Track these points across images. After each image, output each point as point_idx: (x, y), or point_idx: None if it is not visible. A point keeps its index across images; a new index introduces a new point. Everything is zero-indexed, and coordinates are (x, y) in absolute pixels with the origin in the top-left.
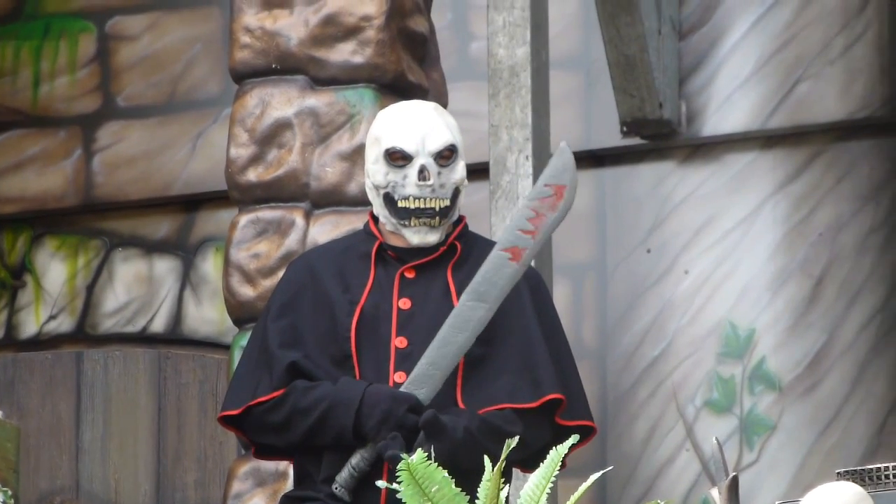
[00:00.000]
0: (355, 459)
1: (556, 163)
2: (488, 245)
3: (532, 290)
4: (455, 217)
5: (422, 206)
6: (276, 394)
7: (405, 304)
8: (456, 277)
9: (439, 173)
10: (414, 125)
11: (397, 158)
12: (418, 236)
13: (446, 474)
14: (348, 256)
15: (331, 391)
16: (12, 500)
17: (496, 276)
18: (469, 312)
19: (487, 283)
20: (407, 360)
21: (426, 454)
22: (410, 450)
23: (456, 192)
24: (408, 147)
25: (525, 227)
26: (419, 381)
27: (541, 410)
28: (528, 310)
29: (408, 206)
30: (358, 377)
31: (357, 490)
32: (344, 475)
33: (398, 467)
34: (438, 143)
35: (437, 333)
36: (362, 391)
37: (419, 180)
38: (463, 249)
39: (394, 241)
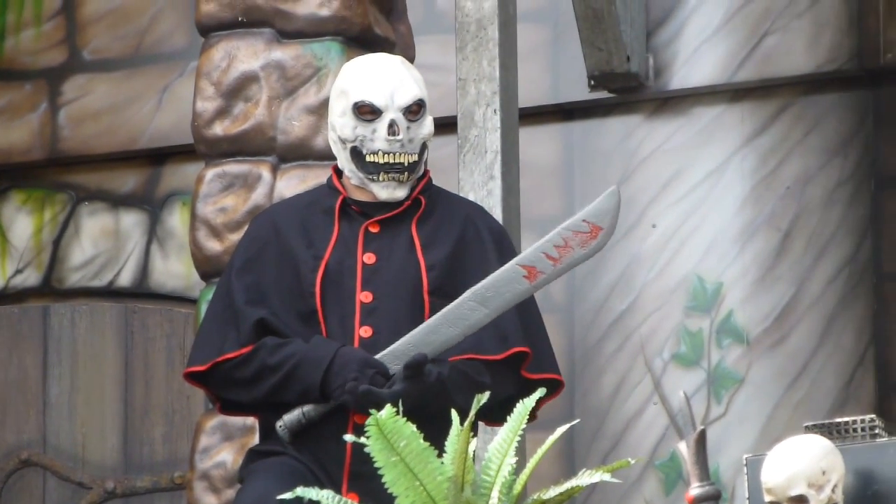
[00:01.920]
0: (308, 407)
1: (602, 203)
2: (453, 199)
3: (496, 243)
4: (421, 172)
5: (391, 161)
6: (244, 350)
7: (370, 258)
8: (421, 231)
9: (408, 128)
10: (383, 79)
11: (366, 112)
12: (386, 191)
13: (415, 429)
14: (312, 211)
15: (301, 349)
16: None
17: (505, 288)
18: (467, 312)
19: (495, 290)
20: (372, 315)
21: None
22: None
23: (423, 147)
24: (377, 101)
25: (550, 253)
26: (394, 356)
27: (506, 363)
28: (493, 263)
29: (376, 160)
30: (324, 332)
31: (323, 444)
32: (292, 416)
33: (367, 423)
34: (407, 97)
35: (429, 320)
36: (334, 351)
37: (389, 135)
38: (427, 204)
39: (358, 196)
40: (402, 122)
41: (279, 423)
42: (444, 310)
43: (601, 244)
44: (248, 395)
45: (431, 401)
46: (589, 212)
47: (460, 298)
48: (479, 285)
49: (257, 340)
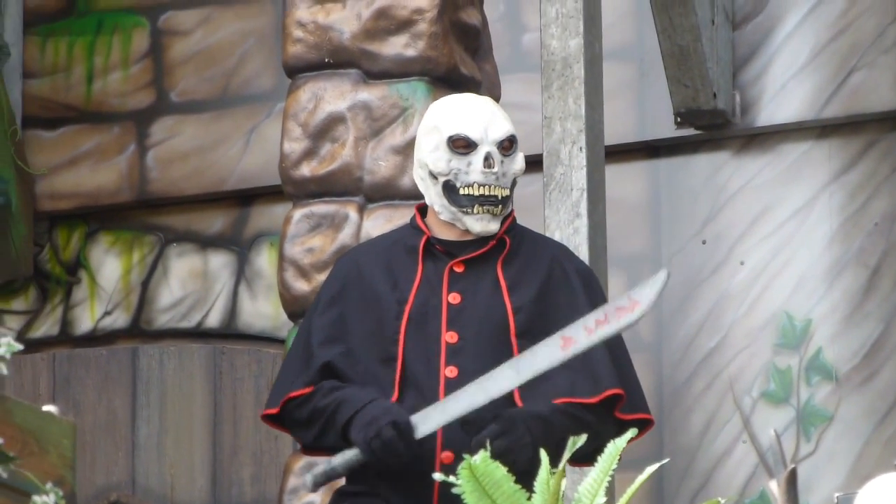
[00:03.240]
0: (338, 460)
1: (648, 283)
2: (538, 239)
3: (584, 284)
4: (510, 209)
5: (486, 193)
6: (305, 390)
7: (455, 298)
8: (507, 272)
9: (502, 162)
10: (476, 114)
11: (461, 146)
12: (480, 224)
13: (506, 472)
14: (396, 251)
15: (346, 394)
16: (63, 501)
17: (539, 352)
18: (498, 375)
19: (531, 353)
20: (458, 355)
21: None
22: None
23: (513, 184)
24: (472, 134)
25: (588, 325)
26: (424, 414)
27: (601, 406)
28: (581, 305)
29: (472, 192)
30: (398, 378)
31: (410, 485)
32: (322, 469)
33: (460, 467)
34: (501, 132)
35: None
36: (369, 399)
37: (484, 167)
38: (512, 244)
39: (442, 235)
40: (496, 155)
41: (307, 476)
42: (482, 377)
43: (635, 318)
44: (307, 436)
45: (549, 439)
46: (635, 290)
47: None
48: (519, 355)
49: (322, 379)
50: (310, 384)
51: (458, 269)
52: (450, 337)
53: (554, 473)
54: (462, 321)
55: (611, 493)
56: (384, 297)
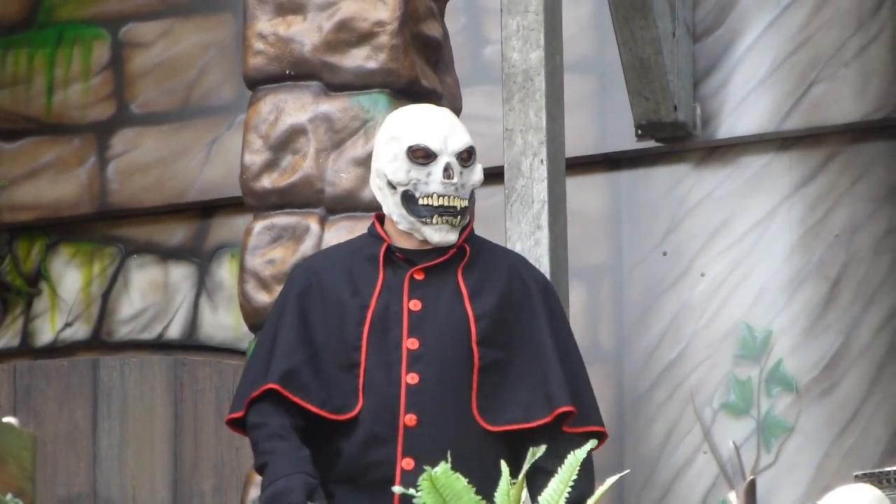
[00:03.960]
0: None
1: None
2: (496, 249)
3: (543, 295)
4: (467, 220)
5: (445, 203)
6: (261, 389)
7: (416, 305)
8: (467, 280)
9: (461, 173)
10: (435, 125)
11: (420, 156)
12: (439, 234)
13: (467, 483)
14: (355, 259)
15: (274, 458)
16: None
17: None
18: None
19: None
20: (419, 362)
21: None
22: None
23: (472, 195)
24: (432, 145)
25: None
26: None
27: (555, 423)
28: (539, 317)
29: (431, 203)
30: (362, 384)
31: (371, 494)
32: None
33: (421, 478)
34: (460, 143)
35: None
36: (283, 473)
37: (444, 178)
38: (471, 252)
39: (402, 243)
40: (456, 166)
41: None
42: None
43: None
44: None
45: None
46: None
47: None
48: None
49: (283, 384)
50: (270, 383)
51: (419, 277)
52: (411, 343)
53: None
54: (423, 328)
55: None
56: (346, 303)
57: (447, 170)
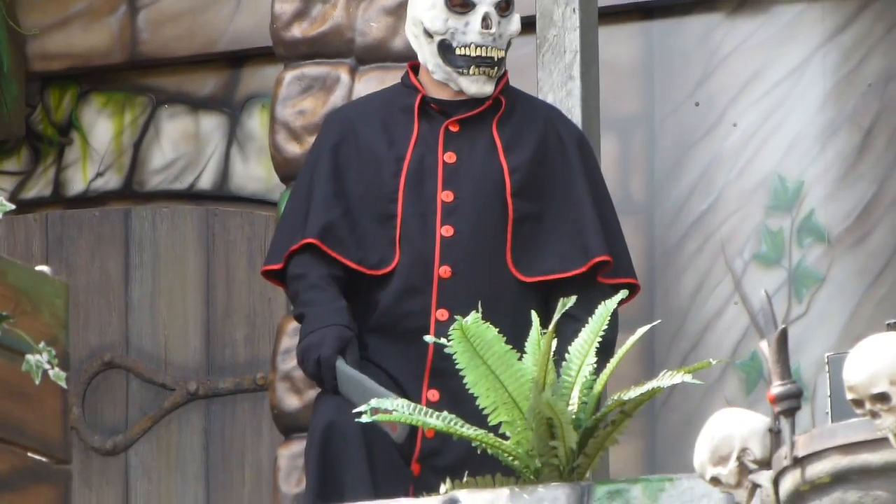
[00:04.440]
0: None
1: None
2: (531, 101)
3: (578, 148)
4: (503, 71)
5: (483, 54)
6: (300, 244)
7: (450, 157)
8: (502, 133)
9: (499, 23)
10: None
11: (458, 5)
12: (476, 85)
13: (497, 332)
14: (390, 110)
15: (311, 310)
16: (56, 360)
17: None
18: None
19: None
20: (453, 214)
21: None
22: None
23: (508, 45)
24: None
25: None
26: (349, 373)
27: (588, 273)
28: (575, 169)
29: (468, 53)
30: (398, 236)
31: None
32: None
33: (451, 328)
34: None
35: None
36: (320, 325)
37: (482, 28)
38: (507, 104)
39: (437, 94)
40: (494, 16)
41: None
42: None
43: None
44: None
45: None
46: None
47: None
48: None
49: (321, 238)
50: (309, 237)
51: (454, 129)
52: (445, 196)
53: (544, 334)
54: (458, 180)
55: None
56: (381, 154)
57: (485, 19)
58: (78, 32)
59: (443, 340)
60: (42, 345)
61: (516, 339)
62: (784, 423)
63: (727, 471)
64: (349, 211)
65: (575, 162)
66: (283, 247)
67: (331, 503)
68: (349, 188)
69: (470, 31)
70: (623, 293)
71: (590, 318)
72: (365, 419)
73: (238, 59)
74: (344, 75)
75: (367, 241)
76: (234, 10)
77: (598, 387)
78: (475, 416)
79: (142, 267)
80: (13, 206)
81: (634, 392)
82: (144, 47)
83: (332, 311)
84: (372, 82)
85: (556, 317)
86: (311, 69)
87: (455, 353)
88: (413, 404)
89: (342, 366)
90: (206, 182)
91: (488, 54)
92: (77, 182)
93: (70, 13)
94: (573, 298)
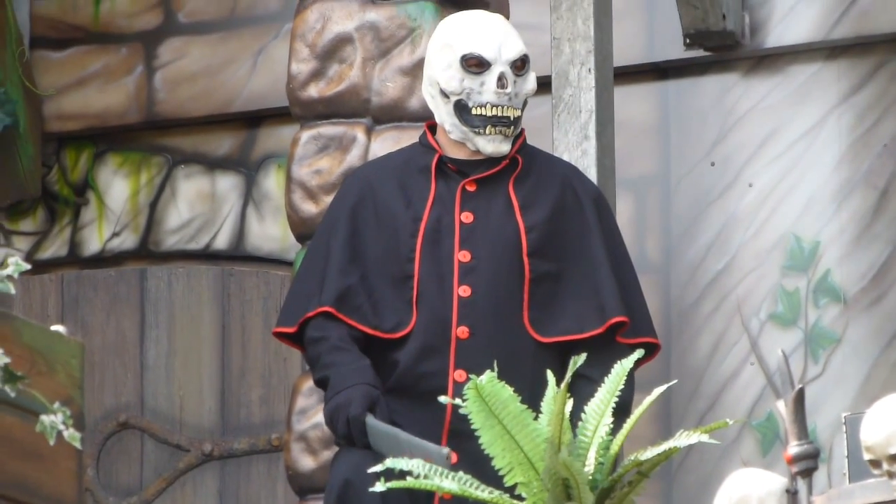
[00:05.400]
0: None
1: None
2: (549, 159)
3: (596, 206)
4: (519, 130)
5: (499, 114)
6: (319, 309)
7: (467, 217)
8: (518, 192)
9: (515, 82)
10: (490, 32)
11: (473, 65)
12: (492, 145)
13: (513, 392)
14: (408, 170)
15: (336, 371)
16: (71, 421)
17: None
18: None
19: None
20: (471, 274)
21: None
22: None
23: (525, 104)
24: (486, 53)
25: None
26: (380, 426)
27: (607, 333)
28: (592, 228)
29: (484, 113)
30: (416, 296)
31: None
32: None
33: (466, 387)
34: (514, 51)
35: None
36: (347, 384)
37: (498, 87)
38: (524, 163)
39: (454, 154)
40: (510, 75)
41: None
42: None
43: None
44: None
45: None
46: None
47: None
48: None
49: (337, 306)
50: (325, 304)
51: (471, 188)
52: (462, 256)
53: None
54: (475, 240)
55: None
56: (399, 214)
57: (501, 79)
58: (94, 93)
59: (458, 401)
60: (57, 405)
61: (534, 400)
62: (801, 484)
63: None
64: (366, 275)
65: (592, 221)
66: (298, 309)
67: None
68: (366, 250)
69: (486, 91)
70: (640, 352)
71: (607, 378)
72: (379, 488)
73: (254, 120)
74: (360, 135)
75: (384, 305)
76: (250, 70)
77: (614, 447)
78: (495, 478)
79: (157, 327)
80: (29, 266)
81: (651, 452)
82: (161, 107)
83: (356, 371)
84: (388, 142)
85: (569, 375)
86: (328, 129)
87: (470, 412)
88: (428, 465)
89: (372, 421)
90: (221, 242)
91: (504, 114)
92: (93, 242)
93: (87, 73)
94: (583, 356)
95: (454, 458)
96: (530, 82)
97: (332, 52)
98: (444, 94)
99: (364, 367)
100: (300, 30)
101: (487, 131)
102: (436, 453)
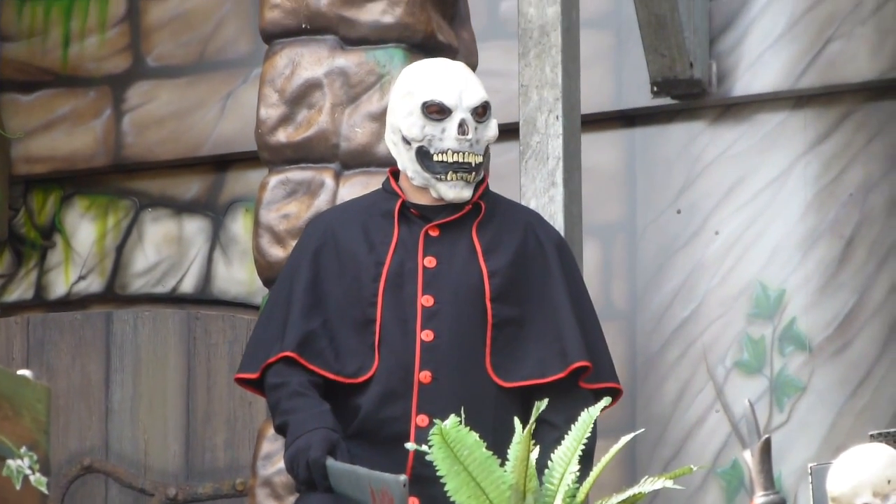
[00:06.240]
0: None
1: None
2: (511, 206)
3: (558, 252)
4: (482, 175)
5: (460, 160)
6: (281, 355)
7: (430, 262)
8: (482, 237)
9: (476, 128)
10: (451, 79)
11: (434, 111)
12: (454, 191)
13: (478, 438)
14: (371, 214)
15: (295, 417)
16: (37, 465)
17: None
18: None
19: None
20: (433, 319)
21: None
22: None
23: (486, 151)
24: (447, 100)
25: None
26: (339, 466)
27: (568, 378)
28: (554, 274)
29: (445, 159)
30: (378, 341)
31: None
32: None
33: (431, 432)
34: (475, 98)
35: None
36: (305, 430)
37: (459, 134)
38: (487, 208)
39: (417, 199)
40: (471, 122)
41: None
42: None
43: None
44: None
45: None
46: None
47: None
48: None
49: (299, 351)
50: (287, 349)
51: (434, 233)
52: (426, 300)
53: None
54: (438, 285)
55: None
56: (361, 259)
57: (462, 126)
58: (62, 136)
59: (424, 448)
60: (23, 449)
61: (497, 446)
62: None
63: None
64: (328, 320)
65: (554, 266)
66: (260, 355)
67: None
68: (328, 295)
69: (447, 138)
70: (606, 401)
71: (571, 425)
72: None
73: (222, 164)
74: (328, 180)
75: (346, 350)
76: (218, 114)
77: (580, 495)
78: None
79: (122, 371)
80: None
81: (616, 499)
82: (129, 151)
83: (316, 416)
84: (356, 187)
85: (532, 421)
86: (296, 174)
87: (435, 459)
88: None
89: (332, 463)
90: (188, 285)
91: (465, 160)
92: (59, 285)
93: (55, 116)
94: (545, 402)
95: (417, 503)
96: (492, 129)
97: (301, 97)
98: (406, 141)
99: (324, 412)
100: (269, 75)
101: (449, 177)
102: (393, 482)
